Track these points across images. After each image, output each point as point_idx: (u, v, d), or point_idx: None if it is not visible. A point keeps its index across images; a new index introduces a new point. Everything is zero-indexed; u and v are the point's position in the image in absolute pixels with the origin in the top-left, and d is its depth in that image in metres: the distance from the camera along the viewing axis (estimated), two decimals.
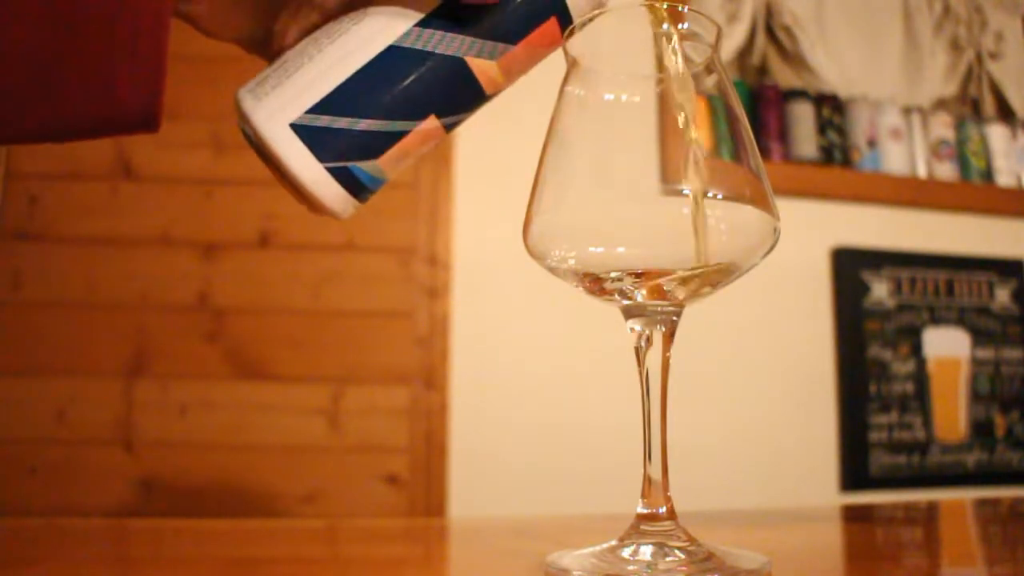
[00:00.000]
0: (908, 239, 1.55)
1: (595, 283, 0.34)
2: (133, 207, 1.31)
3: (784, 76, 1.58)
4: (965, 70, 1.72)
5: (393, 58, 0.32)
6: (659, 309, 0.34)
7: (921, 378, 1.51)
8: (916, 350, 1.52)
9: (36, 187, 1.30)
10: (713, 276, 0.33)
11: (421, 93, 0.33)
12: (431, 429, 1.29)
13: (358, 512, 1.26)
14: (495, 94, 0.35)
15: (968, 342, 1.55)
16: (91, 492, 1.24)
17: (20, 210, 1.29)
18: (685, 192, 0.32)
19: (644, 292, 0.34)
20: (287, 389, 1.28)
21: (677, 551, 0.32)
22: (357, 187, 0.34)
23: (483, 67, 0.33)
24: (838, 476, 1.45)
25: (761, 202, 0.34)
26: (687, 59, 0.34)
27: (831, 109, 1.56)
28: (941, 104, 1.68)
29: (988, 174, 1.64)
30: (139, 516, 1.22)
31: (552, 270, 0.36)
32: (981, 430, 1.53)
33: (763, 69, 1.57)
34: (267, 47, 0.36)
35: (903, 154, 1.59)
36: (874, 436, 1.46)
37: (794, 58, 1.60)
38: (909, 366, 1.51)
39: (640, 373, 0.35)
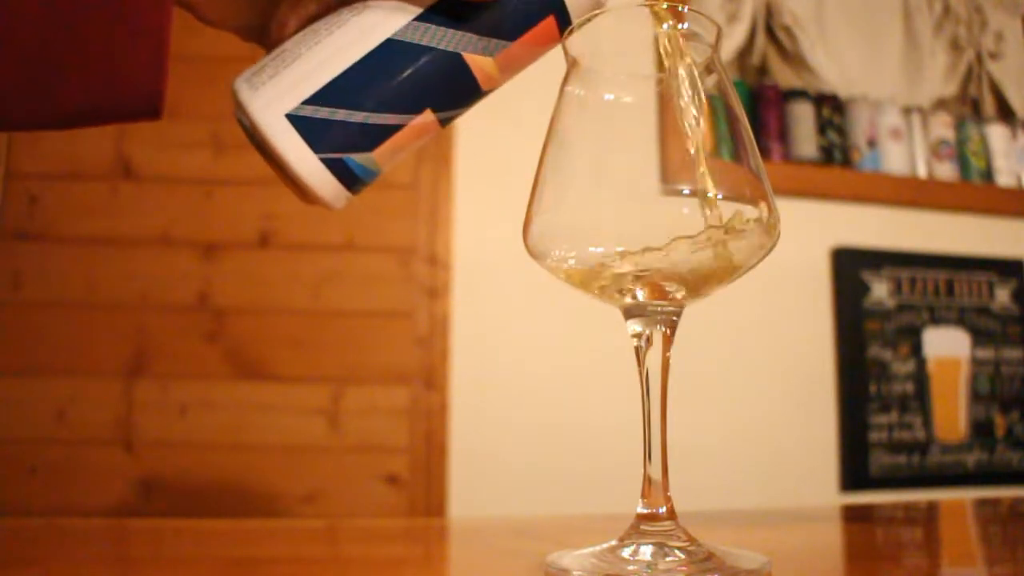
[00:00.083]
0: (908, 239, 1.55)
1: (595, 283, 0.35)
2: (133, 207, 1.31)
3: (784, 76, 1.58)
4: (965, 70, 1.72)
5: (391, 51, 0.33)
6: (659, 309, 0.35)
7: (921, 378, 1.51)
8: (916, 350, 1.52)
9: (36, 187, 1.30)
10: (724, 244, 0.32)
11: (418, 87, 0.33)
12: (431, 429, 1.29)
13: (358, 512, 1.26)
14: (491, 90, 0.35)
15: (968, 342, 1.55)
16: (91, 492, 1.24)
17: (20, 210, 1.29)
18: (685, 192, 0.32)
19: (644, 292, 0.34)
20: (287, 389, 1.28)
21: (677, 551, 0.32)
22: (351, 179, 0.34)
23: (480, 63, 0.34)
24: (838, 476, 1.45)
25: (761, 202, 0.34)
26: (691, 55, 0.34)
27: (831, 109, 1.56)
28: (941, 104, 1.68)
29: (988, 174, 1.64)
30: (139, 516, 1.22)
31: (552, 270, 0.36)
32: (981, 430, 1.53)
33: (763, 69, 1.58)
34: (266, 37, 0.36)
35: (903, 154, 1.59)
36: (874, 436, 1.46)
37: (794, 58, 1.60)
38: (909, 366, 1.51)
39: (640, 373, 0.35)
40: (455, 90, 0.34)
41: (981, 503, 0.68)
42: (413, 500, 1.27)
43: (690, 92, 0.33)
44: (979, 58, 1.74)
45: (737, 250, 0.33)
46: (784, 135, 1.52)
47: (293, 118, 0.32)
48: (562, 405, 1.33)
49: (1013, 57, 1.77)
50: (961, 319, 1.55)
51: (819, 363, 1.48)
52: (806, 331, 1.49)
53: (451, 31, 0.33)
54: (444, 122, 0.35)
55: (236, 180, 1.32)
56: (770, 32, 1.59)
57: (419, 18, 0.33)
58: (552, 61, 0.37)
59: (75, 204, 1.30)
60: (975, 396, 1.53)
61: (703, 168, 0.33)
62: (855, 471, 1.44)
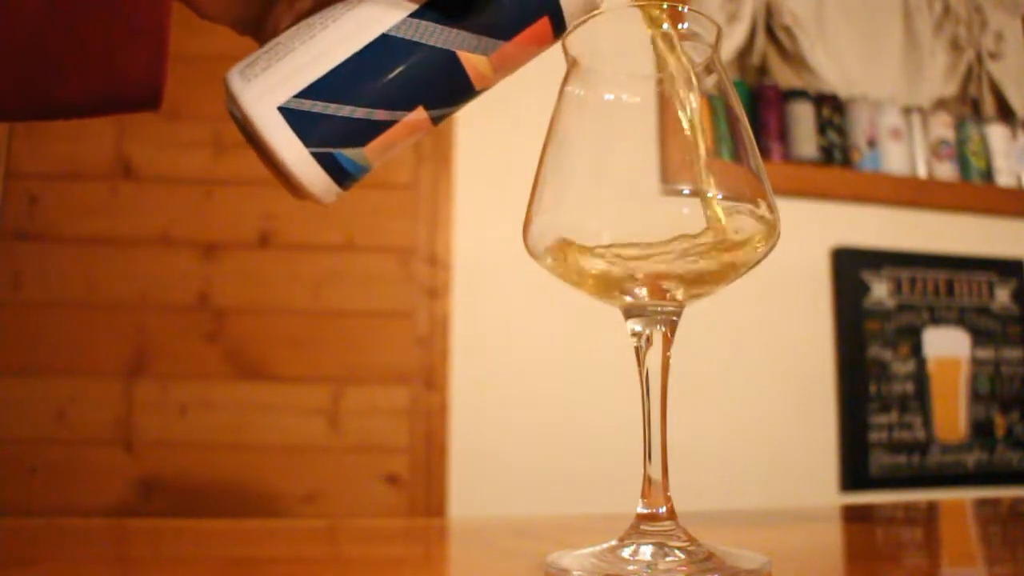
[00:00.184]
0: (908, 239, 1.55)
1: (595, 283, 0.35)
2: (133, 207, 1.31)
3: (784, 76, 1.58)
4: (965, 70, 1.72)
5: (385, 47, 0.33)
6: (659, 309, 0.34)
7: (921, 378, 1.51)
8: (916, 350, 1.52)
9: (36, 187, 1.30)
10: (722, 248, 0.32)
11: (411, 84, 0.33)
12: (431, 429, 1.29)
13: (358, 512, 1.26)
14: (484, 89, 0.35)
15: (968, 342, 1.55)
16: (91, 492, 1.24)
17: (20, 210, 1.29)
18: (685, 192, 0.32)
19: (644, 292, 0.34)
20: (287, 389, 1.28)
21: (677, 551, 0.32)
22: (341, 174, 0.34)
23: (473, 62, 0.34)
24: (838, 476, 1.45)
25: (761, 202, 0.34)
26: (687, 54, 0.34)
27: (831, 109, 1.56)
28: (941, 104, 1.68)
29: (988, 174, 1.64)
30: (139, 516, 1.22)
31: (552, 270, 0.36)
32: (981, 430, 1.53)
33: (763, 69, 1.58)
34: (262, 31, 0.37)
35: (903, 154, 1.59)
36: (874, 436, 1.46)
37: (794, 58, 1.60)
38: (909, 366, 1.51)
39: (640, 373, 0.35)
40: (448, 88, 0.34)
41: (981, 503, 0.68)
42: (413, 500, 1.27)
43: (686, 93, 0.33)
44: (979, 58, 1.74)
45: (736, 253, 0.33)
46: (784, 135, 1.52)
47: (285, 111, 0.32)
48: (562, 405, 1.33)
49: (1013, 57, 1.77)
50: (961, 319, 1.55)
51: (819, 363, 1.48)
52: (806, 331, 1.49)
53: (446, 29, 0.33)
54: (436, 120, 0.35)
55: (236, 180, 1.32)
56: (770, 32, 1.59)
57: (414, 14, 0.33)
58: (552, 61, 0.37)
59: (75, 204, 1.30)
60: (975, 396, 1.53)
61: (702, 169, 0.33)
62: (855, 471, 1.44)
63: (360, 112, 0.33)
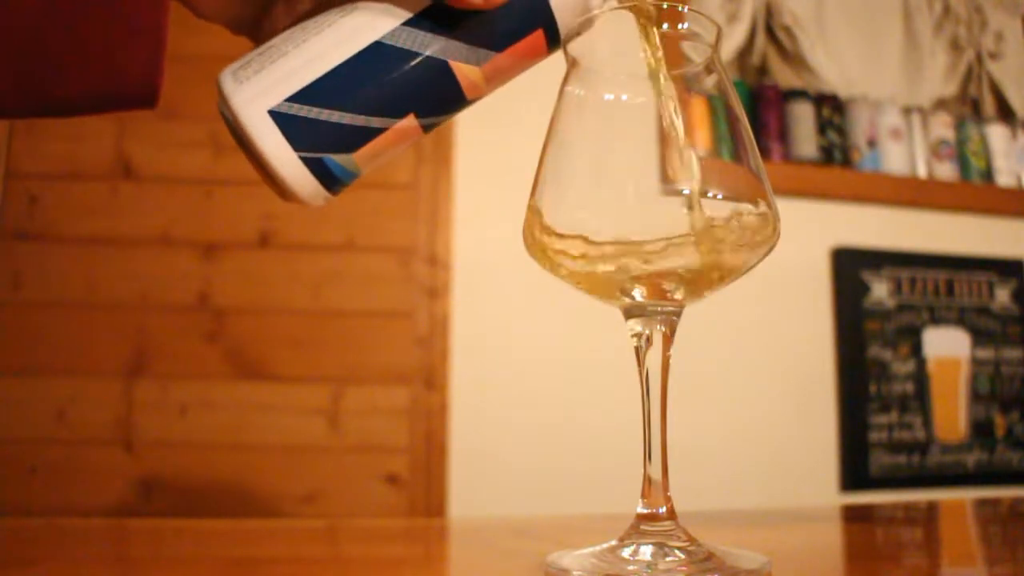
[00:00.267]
0: (908, 239, 1.55)
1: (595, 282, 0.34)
2: (133, 207, 1.31)
3: (784, 76, 1.58)
4: (965, 70, 1.72)
5: (377, 54, 0.33)
6: (659, 309, 0.35)
7: (921, 378, 1.51)
8: (916, 350, 1.52)
9: (36, 187, 1.30)
10: (712, 245, 0.32)
11: (402, 91, 0.33)
12: (431, 429, 1.29)
13: (358, 512, 1.26)
14: (476, 99, 0.35)
15: (968, 342, 1.55)
16: (91, 492, 1.24)
17: (20, 210, 1.29)
18: (685, 192, 0.32)
19: (644, 292, 0.34)
20: (287, 389, 1.28)
21: (677, 551, 0.32)
22: (330, 179, 0.34)
23: (466, 71, 0.34)
24: (838, 476, 1.45)
25: (761, 202, 0.34)
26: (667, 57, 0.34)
27: (831, 109, 1.56)
28: (941, 104, 1.68)
29: (988, 174, 1.64)
30: (139, 516, 1.22)
31: (552, 270, 0.36)
32: (981, 430, 1.53)
33: (763, 69, 1.58)
34: (259, 31, 0.37)
35: (903, 154, 1.59)
36: (874, 436, 1.46)
37: (794, 58, 1.60)
38: (909, 366, 1.51)
39: (640, 373, 0.35)
40: (440, 97, 0.34)
41: (981, 503, 0.68)
42: (413, 500, 1.27)
43: (659, 84, 0.33)
44: (979, 58, 1.74)
45: (736, 251, 0.33)
46: (784, 135, 1.52)
47: (276, 115, 0.32)
48: (562, 405, 1.33)
49: (1013, 57, 1.77)
50: (961, 319, 1.55)
51: (819, 363, 1.48)
52: (806, 331, 1.49)
53: (439, 38, 0.33)
54: (427, 128, 0.35)
55: (236, 180, 1.32)
56: (770, 32, 1.59)
57: (408, 23, 0.33)
58: (552, 61, 0.37)
59: (75, 204, 1.30)
60: (975, 396, 1.53)
61: (694, 171, 0.33)
62: (855, 471, 1.44)
63: (351, 118, 0.33)
